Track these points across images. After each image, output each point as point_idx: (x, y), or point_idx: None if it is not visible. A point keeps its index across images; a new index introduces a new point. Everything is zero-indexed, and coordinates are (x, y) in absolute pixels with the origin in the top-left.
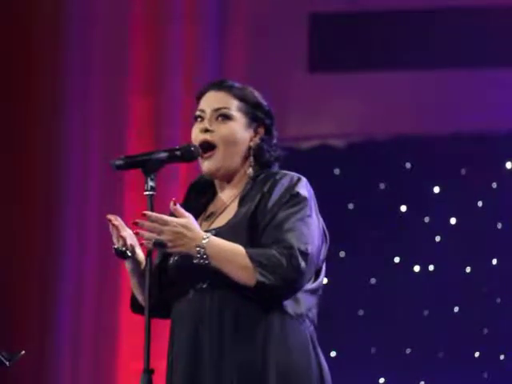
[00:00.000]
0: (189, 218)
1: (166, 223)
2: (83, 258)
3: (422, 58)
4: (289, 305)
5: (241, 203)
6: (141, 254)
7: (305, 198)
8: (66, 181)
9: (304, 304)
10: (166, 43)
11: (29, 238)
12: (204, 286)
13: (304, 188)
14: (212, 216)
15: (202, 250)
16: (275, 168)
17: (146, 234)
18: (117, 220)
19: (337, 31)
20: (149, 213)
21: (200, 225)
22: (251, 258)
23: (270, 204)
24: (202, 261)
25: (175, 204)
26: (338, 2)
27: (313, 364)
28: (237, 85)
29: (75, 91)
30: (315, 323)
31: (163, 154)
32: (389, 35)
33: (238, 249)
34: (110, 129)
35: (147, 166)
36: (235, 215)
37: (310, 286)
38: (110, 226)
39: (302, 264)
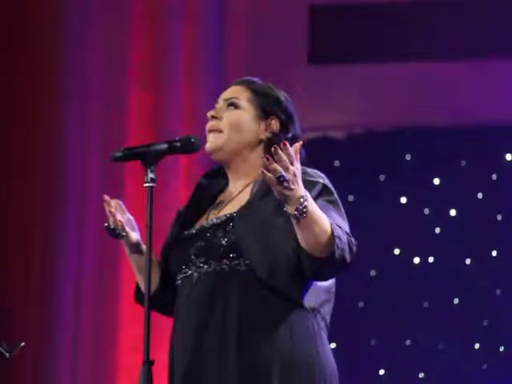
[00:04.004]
0: (299, 167)
1: (292, 163)
2: (83, 251)
3: (422, 49)
4: (304, 297)
5: (254, 194)
6: (134, 238)
7: (330, 188)
8: (65, 176)
9: (317, 298)
10: (166, 37)
11: (29, 230)
12: (209, 269)
13: (329, 183)
14: (221, 204)
15: (305, 203)
16: None
17: (274, 165)
18: (117, 202)
19: (336, 23)
20: (288, 146)
21: (209, 212)
22: (336, 230)
23: None
24: (298, 213)
25: (302, 145)
26: None
27: (317, 360)
28: (259, 81)
29: (75, 86)
30: (327, 321)
31: (163, 146)
32: (388, 27)
33: (326, 217)
34: (110, 123)
35: (147, 157)
36: (249, 204)
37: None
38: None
39: (355, 252)
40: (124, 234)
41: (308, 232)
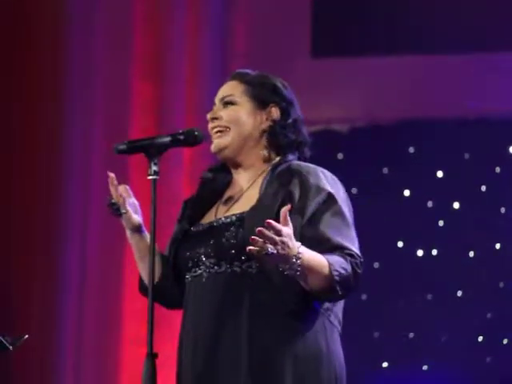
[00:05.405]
0: (291, 227)
1: (279, 233)
2: (86, 244)
3: (425, 42)
4: (316, 300)
5: (263, 193)
6: (134, 218)
7: (336, 196)
8: (68, 169)
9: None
10: (168, 30)
11: (32, 224)
12: (220, 270)
13: (335, 184)
14: (230, 200)
15: (298, 262)
16: (294, 155)
17: (260, 244)
18: (124, 187)
19: (339, 16)
20: (272, 223)
21: (217, 209)
22: (335, 269)
23: (306, 205)
24: (292, 272)
25: (290, 209)
26: None
27: (327, 357)
28: (252, 72)
29: (77, 78)
30: (339, 318)
31: (166, 139)
32: (391, 20)
33: (323, 260)
34: (113, 116)
35: (150, 150)
36: (258, 205)
37: None
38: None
39: (361, 272)
40: (124, 211)
41: (306, 280)
